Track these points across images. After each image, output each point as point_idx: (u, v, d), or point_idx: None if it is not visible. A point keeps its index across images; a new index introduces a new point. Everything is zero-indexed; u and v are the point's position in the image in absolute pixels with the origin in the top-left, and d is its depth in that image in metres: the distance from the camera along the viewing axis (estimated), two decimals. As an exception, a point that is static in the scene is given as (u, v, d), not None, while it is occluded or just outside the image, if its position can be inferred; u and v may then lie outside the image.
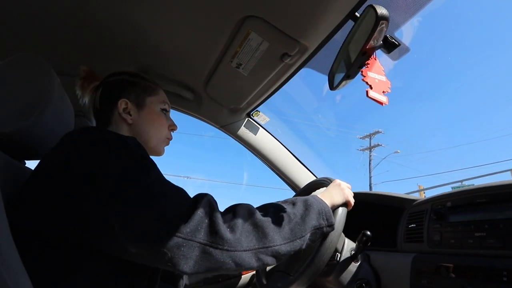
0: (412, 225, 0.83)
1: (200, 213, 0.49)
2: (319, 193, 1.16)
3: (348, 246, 0.82)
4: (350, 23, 0.69)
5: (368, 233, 0.75)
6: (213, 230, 0.48)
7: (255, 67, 0.88)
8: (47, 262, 0.47)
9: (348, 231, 0.85)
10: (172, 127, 0.77)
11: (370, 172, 16.77)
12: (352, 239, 0.84)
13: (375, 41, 0.61)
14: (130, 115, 0.70)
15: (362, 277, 0.79)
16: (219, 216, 0.50)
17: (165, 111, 0.75)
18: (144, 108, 0.71)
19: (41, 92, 0.61)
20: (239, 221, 0.52)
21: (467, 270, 0.61)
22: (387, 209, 0.98)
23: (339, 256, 0.80)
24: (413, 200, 0.90)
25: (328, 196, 0.70)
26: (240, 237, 0.50)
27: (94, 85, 0.75)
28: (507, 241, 0.58)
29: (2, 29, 0.83)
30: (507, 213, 0.60)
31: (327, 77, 0.76)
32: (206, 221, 0.49)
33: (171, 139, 0.77)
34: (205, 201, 0.52)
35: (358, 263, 0.80)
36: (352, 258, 0.80)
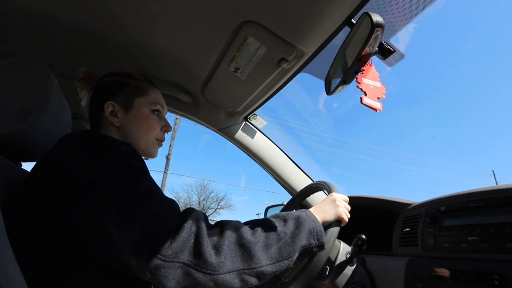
0: (407, 229, 0.84)
1: (185, 232, 0.48)
2: (316, 197, 1.16)
3: (344, 249, 0.83)
4: (346, 29, 0.70)
5: (363, 236, 0.76)
6: (197, 251, 0.48)
7: (252, 71, 0.88)
8: (43, 266, 0.47)
9: (344, 235, 0.86)
10: (166, 127, 0.75)
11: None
12: (348, 242, 0.85)
13: (371, 47, 0.62)
14: (118, 117, 0.69)
15: (357, 280, 0.80)
16: (205, 237, 0.49)
17: (157, 112, 0.74)
18: (131, 110, 0.70)
19: (39, 95, 0.61)
20: (225, 241, 0.51)
21: (460, 274, 0.62)
22: (382, 213, 0.99)
23: (328, 269, 0.79)
24: (408, 204, 0.91)
25: (320, 211, 0.67)
26: (224, 260, 0.49)
27: (90, 86, 0.75)
28: (499, 245, 0.59)
29: (1, 31, 0.83)
30: (499, 218, 0.61)
31: (323, 82, 0.77)
32: (192, 241, 0.48)
33: (163, 140, 0.76)
34: (193, 218, 0.51)
35: (354, 267, 0.81)
36: (347, 262, 0.80)
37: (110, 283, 0.52)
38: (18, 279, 0.38)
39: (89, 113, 0.72)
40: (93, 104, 0.71)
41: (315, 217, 0.64)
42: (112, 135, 0.68)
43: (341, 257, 0.81)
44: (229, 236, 0.52)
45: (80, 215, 0.47)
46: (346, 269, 0.80)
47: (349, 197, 0.75)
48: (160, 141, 0.75)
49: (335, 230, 0.67)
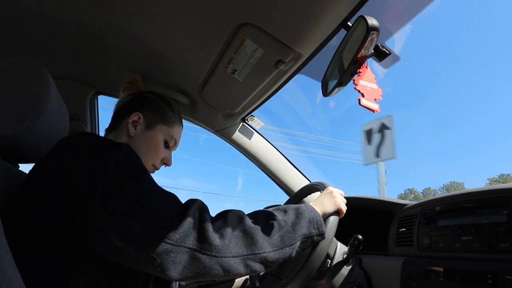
0: (403, 229, 0.85)
1: (190, 218, 0.50)
2: (313, 197, 1.17)
3: (340, 249, 0.83)
4: (343, 31, 0.70)
5: (360, 237, 0.77)
6: (202, 236, 0.49)
7: (250, 73, 0.89)
8: (42, 266, 0.47)
9: (341, 235, 0.87)
10: (166, 160, 0.79)
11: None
12: (344, 243, 0.86)
13: (367, 50, 0.62)
14: (136, 129, 0.73)
15: (354, 280, 0.80)
16: (209, 222, 0.51)
17: (167, 145, 0.78)
18: (150, 130, 0.75)
19: (37, 97, 0.61)
20: (229, 227, 0.52)
21: (455, 273, 0.63)
22: (379, 213, 1.00)
23: (329, 262, 0.80)
24: (404, 205, 0.92)
25: (319, 204, 0.70)
26: (229, 243, 0.51)
27: (132, 92, 0.81)
28: (492, 245, 0.60)
29: (0, 33, 0.83)
30: (492, 218, 0.62)
31: (320, 84, 0.78)
32: (196, 226, 0.50)
33: (158, 169, 0.79)
34: (196, 206, 0.53)
35: (350, 267, 0.82)
36: (344, 262, 0.81)
37: (112, 279, 0.52)
38: (15, 279, 0.38)
39: (115, 113, 0.78)
40: (124, 108, 0.76)
41: (314, 208, 0.67)
42: (120, 140, 0.71)
43: (338, 257, 0.82)
44: (232, 222, 0.54)
45: (83, 212, 0.47)
46: (343, 269, 0.81)
47: (346, 197, 0.76)
48: (154, 168, 0.78)
49: (334, 220, 0.69)
